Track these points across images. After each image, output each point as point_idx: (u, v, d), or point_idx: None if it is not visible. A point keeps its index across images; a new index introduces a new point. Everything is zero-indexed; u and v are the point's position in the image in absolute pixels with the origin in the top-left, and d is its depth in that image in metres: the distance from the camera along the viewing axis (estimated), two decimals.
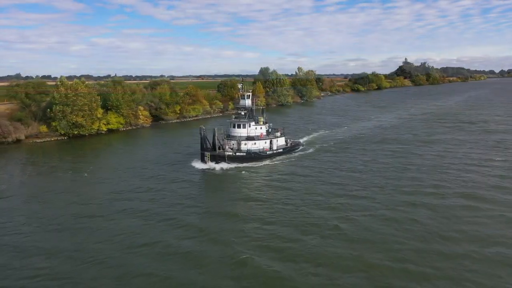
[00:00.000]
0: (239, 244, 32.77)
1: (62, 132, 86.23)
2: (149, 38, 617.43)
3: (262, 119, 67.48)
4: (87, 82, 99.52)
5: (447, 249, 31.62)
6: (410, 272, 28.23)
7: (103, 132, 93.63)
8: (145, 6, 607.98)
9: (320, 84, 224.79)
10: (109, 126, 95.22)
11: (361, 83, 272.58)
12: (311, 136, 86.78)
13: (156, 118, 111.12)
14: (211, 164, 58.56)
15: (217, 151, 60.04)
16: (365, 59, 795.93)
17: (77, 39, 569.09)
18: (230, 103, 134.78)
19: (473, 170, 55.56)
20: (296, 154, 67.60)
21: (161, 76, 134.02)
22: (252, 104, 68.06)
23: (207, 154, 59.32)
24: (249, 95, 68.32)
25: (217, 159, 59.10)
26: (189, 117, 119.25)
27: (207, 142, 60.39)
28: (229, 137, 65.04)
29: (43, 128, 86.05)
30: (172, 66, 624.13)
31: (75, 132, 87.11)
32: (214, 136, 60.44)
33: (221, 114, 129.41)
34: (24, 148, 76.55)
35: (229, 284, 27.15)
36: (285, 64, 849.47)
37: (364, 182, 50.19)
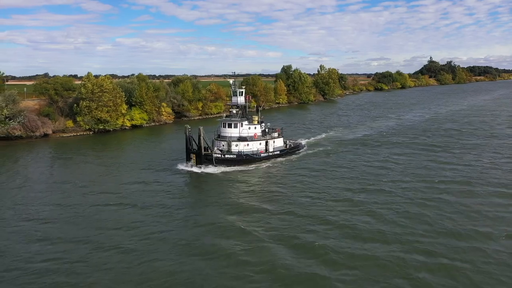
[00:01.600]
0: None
1: (87, 127, 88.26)
2: (173, 38, 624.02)
3: (257, 118, 61.90)
4: (112, 79, 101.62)
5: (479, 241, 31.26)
6: (442, 264, 27.89)
7: (127, 127, 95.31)
8: (169, 6, 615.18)
9: (343, 82, 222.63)
10: (133, 122, 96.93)
11: (384, 81, 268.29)
12: (323, 135, 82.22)
13: (178, 114, 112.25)
14: (196, 167, 53.75)
15: (203, 152, 54.50)
16: (389, 58, 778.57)
17: (102, 39, 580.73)
18: (252, 100, 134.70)
19: (502, 165, 54.37)
20: (297, 156, 62.18)
21: (184, 75, 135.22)
22: (246, 102, 62.63)
23: (192, 156, 54.72)
24: (242, 91, 62.78)
25: (203, 161, 54.01)
26: (211, 114, 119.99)
27: (193, 142, 55.57)
28: (220, 137, 59.90)
29: (69, 123, 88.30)
30: (195, 65, 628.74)
31: (100, 127, 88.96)
32: (199, 136, 54.40)
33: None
34: (51, 142, 78.69)
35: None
36: (307, 63, 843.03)
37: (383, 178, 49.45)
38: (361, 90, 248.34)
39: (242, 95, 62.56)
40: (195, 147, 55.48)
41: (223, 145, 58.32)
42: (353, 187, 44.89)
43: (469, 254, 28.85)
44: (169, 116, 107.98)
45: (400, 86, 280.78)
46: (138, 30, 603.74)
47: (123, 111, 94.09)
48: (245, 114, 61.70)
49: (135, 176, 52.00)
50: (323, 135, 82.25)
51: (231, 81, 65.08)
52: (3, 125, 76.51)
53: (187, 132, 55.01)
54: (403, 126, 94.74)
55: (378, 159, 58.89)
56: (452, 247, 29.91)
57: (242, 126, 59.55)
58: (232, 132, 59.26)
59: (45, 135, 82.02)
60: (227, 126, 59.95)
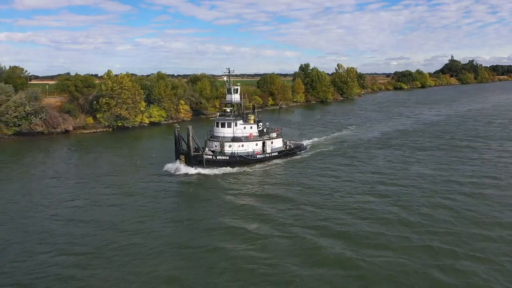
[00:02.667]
0: None
1: (107, 124, 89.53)
2: (191, 38, 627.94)
3: (253, 117, 58.61)
4: (131, 77, 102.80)
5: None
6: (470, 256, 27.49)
7: (145, 124, 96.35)
8: (188, 6, 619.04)
9: (362, 81, 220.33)
10: (151, 119, 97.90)
11: (404, 80, 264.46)
12: (336, 134, 79.81)
13: (196, 112, 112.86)
14: (184, 169, 50.57)
15: (193, 153, 51.48)
16: (409, 58, 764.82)
17: (122, 39, 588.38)
18: (269, 98, 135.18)
19: None
20: (297, 157, 58.64)
21: (202, 74, 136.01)
22: (241, 100, 59.34)
23: (181, 157, 51.87)
24: (237, 89, 59.16)
25: (193, 163, 50.98)
26: None
27: (183, 142, 52.80)
28: (212, 137, 56.53)
29: (90, 120, 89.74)
30: (212, 65, 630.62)
31: (119, 124, 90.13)
32: (188, 136, 51.37)
33: (260, 110, 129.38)
34: (72, 138, 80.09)
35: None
36: (325, 63, 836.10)
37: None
38: (380, 89, 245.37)
39: (237, 92, 59.13)
40: (184, 147, 52.70)
41: (215, 146, 55.00)
42: (365, 182, 44.39)
43: (496, 244, 28.66)
44: (187, 114, 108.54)
45: (420, 85, 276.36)
46: (158, 30, 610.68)
47: (142, 108, 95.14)
48: (240, 112, 58.43)
49: (151, 171, 52.45)
50: (336, 134, 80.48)
51: (225, 78, 61.54)
52: (25, 121, 78.35)
53: (176, 132, 52.32)
54: (423, 125, 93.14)
55: (397, 156, 58.02)
56: (479, 237, 29.70)
57: (236, 125, 55.86)
58: (226, 131, 55.60)
59: (66, 131, 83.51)
60: (220, 125, 56.28)
